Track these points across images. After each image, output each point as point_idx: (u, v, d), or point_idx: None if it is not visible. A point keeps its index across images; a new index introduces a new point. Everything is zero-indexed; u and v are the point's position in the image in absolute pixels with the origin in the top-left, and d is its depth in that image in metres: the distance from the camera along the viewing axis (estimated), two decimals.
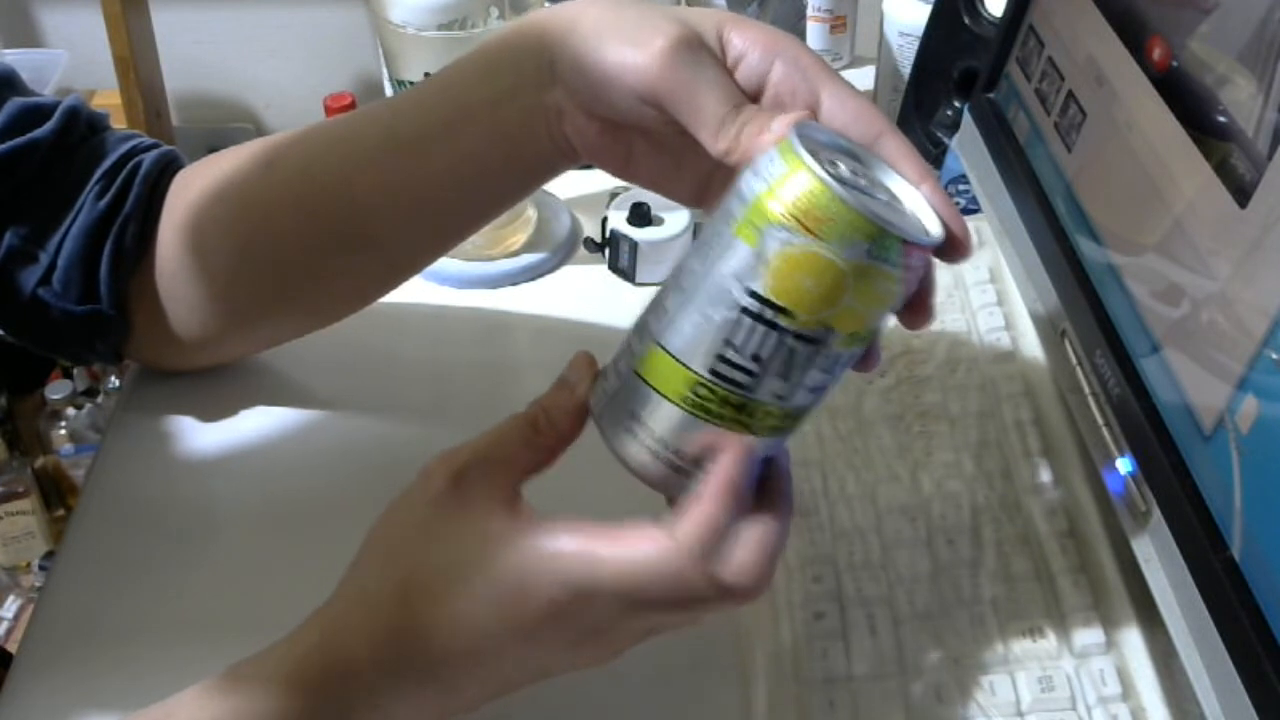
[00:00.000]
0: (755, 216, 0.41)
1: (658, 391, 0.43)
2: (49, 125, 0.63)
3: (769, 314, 0.41)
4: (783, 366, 0.42)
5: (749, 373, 0.42)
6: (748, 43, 0.50)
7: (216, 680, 0.46)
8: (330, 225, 0.60)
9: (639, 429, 0.44)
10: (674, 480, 0.45)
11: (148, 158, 0.65)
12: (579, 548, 0.43)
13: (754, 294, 0.41)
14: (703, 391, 0.43)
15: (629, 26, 0.51)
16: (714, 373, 0.42)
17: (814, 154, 0.41)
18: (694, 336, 0.42)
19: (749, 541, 0.43)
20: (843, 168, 0.43)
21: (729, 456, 0.43)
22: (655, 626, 0.45)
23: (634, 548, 0.42)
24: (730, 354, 0.42)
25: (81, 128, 0.65)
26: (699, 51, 0.49)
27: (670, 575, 0.42)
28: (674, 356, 0.43)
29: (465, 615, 0.44)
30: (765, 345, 0.42)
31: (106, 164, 0.64)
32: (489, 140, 0.56)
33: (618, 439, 0.45)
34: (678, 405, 0.43)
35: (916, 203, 0.45)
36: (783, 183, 0.41)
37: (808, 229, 0.40)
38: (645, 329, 0.44)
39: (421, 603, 0.44)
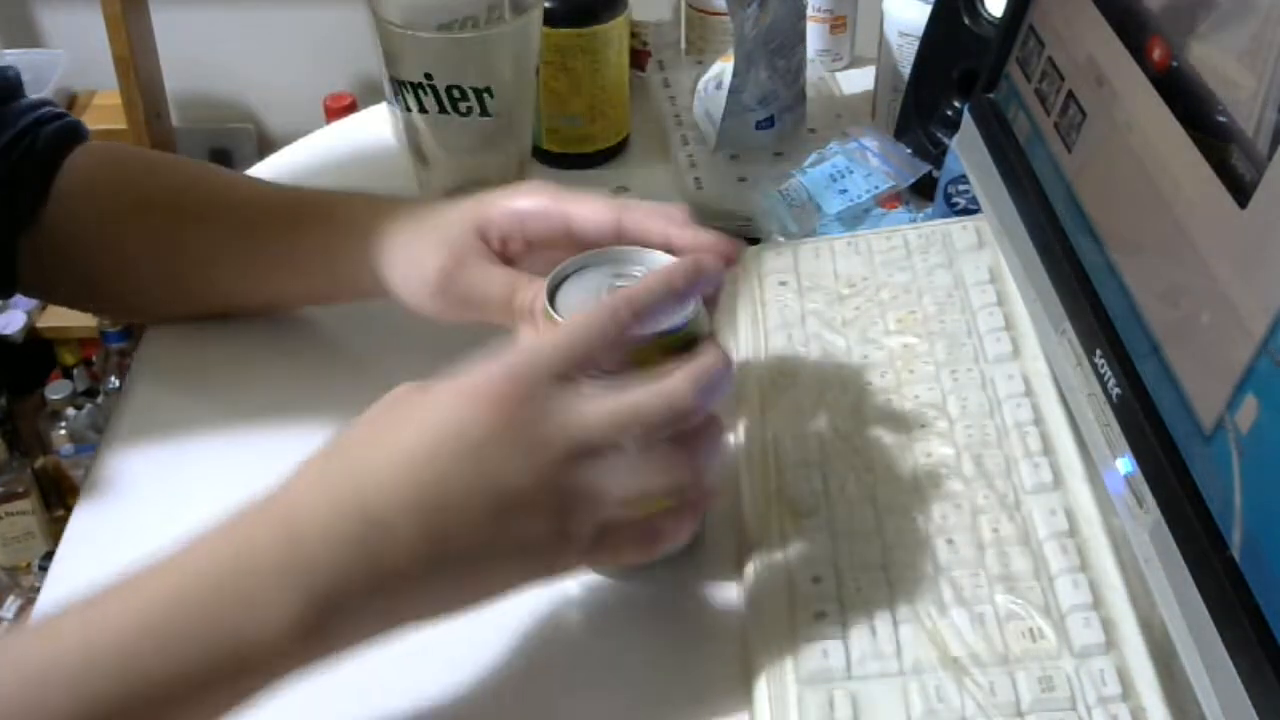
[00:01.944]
0: None
1: None
2: None
3: None
4: None
5: None
6: (500, 222, 0.61)
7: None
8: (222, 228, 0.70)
9: None
10: None
11: (46, 131, 0.70)
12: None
13: None
14: None
15: (407, 264, 0.63)
16: None
17: (568, 303, 0.52)
18: None
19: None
20: (604, 291, 0.53)
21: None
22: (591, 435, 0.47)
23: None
24: None
25: None
26: (462, 269, 0.61)
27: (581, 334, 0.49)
28: None
29: (397, 447, 0.47)
30: None
31: (6, 137, 0.69)
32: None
33: None
34: None
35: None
36: None
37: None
38: None
39: (357, 453, 0.48)
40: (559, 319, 0.52)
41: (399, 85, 0.77)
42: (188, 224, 0.70)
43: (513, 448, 0.46)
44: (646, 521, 0.51)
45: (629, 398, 0.48)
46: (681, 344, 0.52)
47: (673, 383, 0.48)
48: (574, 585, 0.59)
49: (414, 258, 0.63)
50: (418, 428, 0.47)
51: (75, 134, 0.72)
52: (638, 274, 0.54)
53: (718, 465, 0.52)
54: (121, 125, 1.73)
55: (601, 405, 0.47)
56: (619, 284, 0.53)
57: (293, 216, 0.68)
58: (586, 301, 0.53)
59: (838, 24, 0.98)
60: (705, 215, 0.81)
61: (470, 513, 0.46)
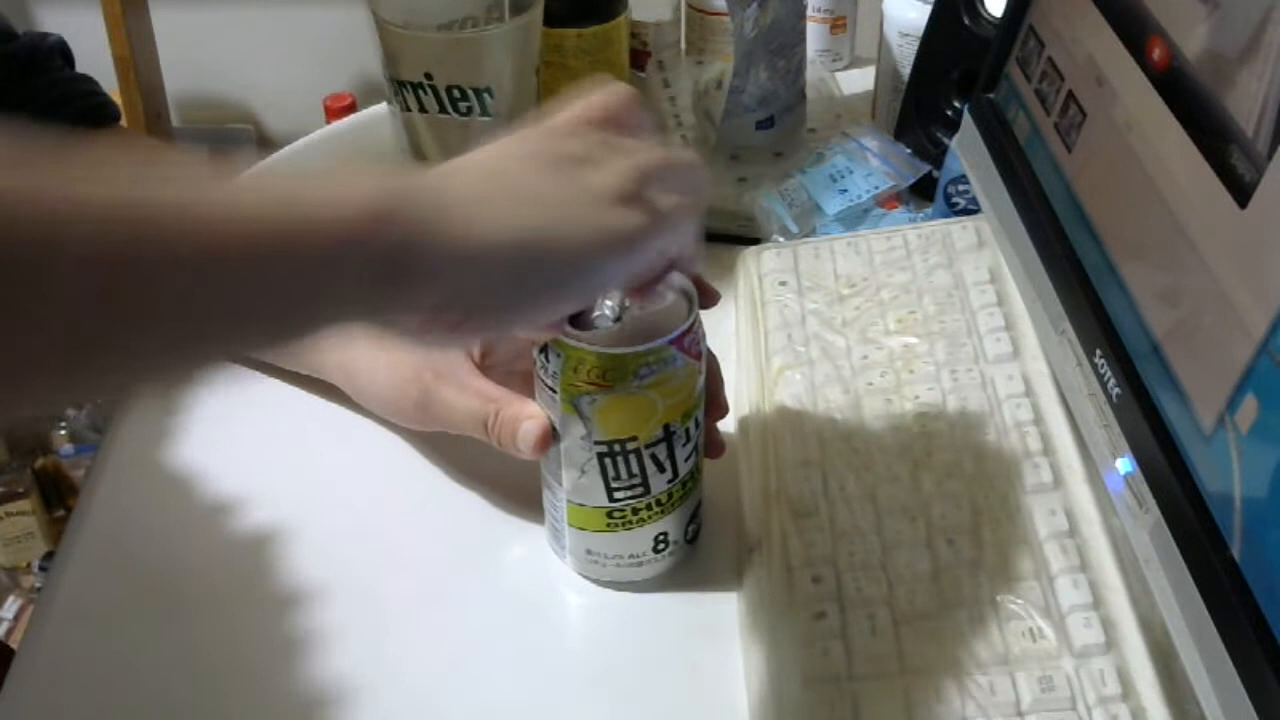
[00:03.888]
0: (566, 395, 0.53)
1: (590, 530, 0.57)
2: None
3: (618, 448, 0.54)
4: (656, 466, 0.55)
5: (639, 485, 0.55)
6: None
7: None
8: None
9: (588, 555, 0.58)
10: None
11: (71, 110, 0.69)
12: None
13: (598, 441, 0.54)
14: (617, 514, 0.56)
15: (388, 371, 0.62)
16: (614, 500, 0.55)
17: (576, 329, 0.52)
18: (589, 486, 0.55)
19: None
20: (606, 311, 0.53)
21: None
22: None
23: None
24: (616, 484, 0.55)
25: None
26: (438, 391, 0.60)
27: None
28: (584, 505, 0.56)
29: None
30: (634, 465, 0.54)
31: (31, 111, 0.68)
32: None
33: (579, 565, 0.59)
34: (608, 531, 0.57)
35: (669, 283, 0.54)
36: (569, 366, 0.52)
37: (601, 386, 0.52)
38: (554, 491, 0.57)
39: None
40: (570, 342, 0.52)
41: (399, 85, 0.77)
42: None
43: (566, 137, 0.48)
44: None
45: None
46: (660, 364, 0.52)
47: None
48: (574, 586, 0.59)
49: (395, 367, 0.62)
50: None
51: (103, 115, 0.71)
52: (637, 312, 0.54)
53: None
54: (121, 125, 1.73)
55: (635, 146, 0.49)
56: (618, 311, 0.54)
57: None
58: (594, 319, 0.53)
59: (838, 24, 0.98)
60: (705, 215, 0.81)
61: (518, 162, 0.47)
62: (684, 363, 0.53)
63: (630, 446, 0.54)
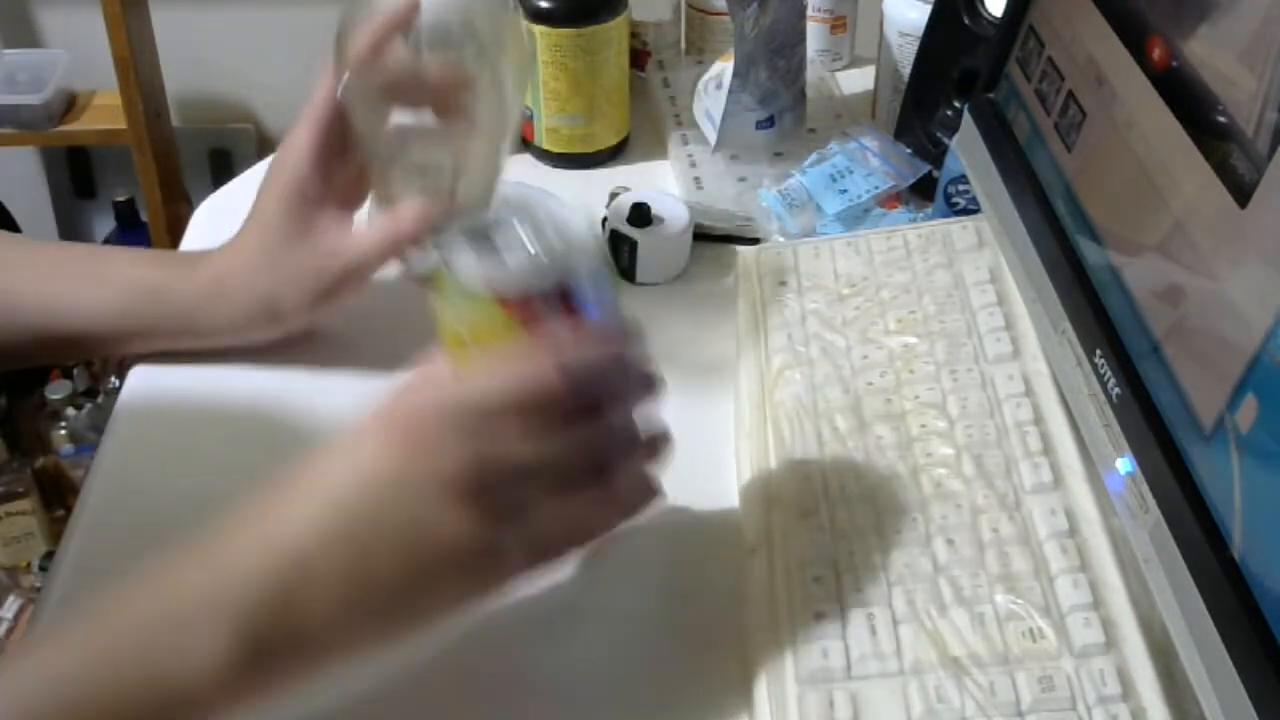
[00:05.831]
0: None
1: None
2: None
3: None
4: None
5: None
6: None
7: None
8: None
9: None
10: None
11: None
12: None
13: None
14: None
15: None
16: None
17: (465, 262, 0.49)
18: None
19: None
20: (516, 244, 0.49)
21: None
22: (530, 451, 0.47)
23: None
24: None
25: None
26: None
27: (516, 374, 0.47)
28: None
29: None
30: None
31: None
32: None
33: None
34: None
35: None
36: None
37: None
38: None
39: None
40: (466, 284, 0.49)
41: None
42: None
43: (428, 479, 0.46)
44: (578, 512, 0.49)
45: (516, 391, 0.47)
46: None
47: (546, 365, 0.47)
48: (572, 584, 0.59)
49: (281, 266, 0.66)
50: (338, 466, 0.48)
51: None
52: (548, 230, 0.50)
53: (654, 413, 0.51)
54: (121, 125, 1.72)
55: (510, 426, 0.47)
56: (530, 239, 0.49)
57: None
58: (494, 263, 0.49)
59: (838, 24, 0.98)
60: (705, 215, 0.81)
61: (387, 548, 0.46)
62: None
63: None
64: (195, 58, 1.91)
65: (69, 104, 1.77)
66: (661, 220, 0.77)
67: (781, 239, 0.78)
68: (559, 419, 0.47)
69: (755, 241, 0.79)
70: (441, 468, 0.46)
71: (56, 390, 1.77)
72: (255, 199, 0.67)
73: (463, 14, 0.57)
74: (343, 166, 0.66)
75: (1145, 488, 0.49)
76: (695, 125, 0.89)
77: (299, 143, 0.65)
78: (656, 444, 0.52)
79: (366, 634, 0.47)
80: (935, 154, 0.82)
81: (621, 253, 0.77)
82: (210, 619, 0.45)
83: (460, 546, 0.46)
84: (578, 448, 0.48)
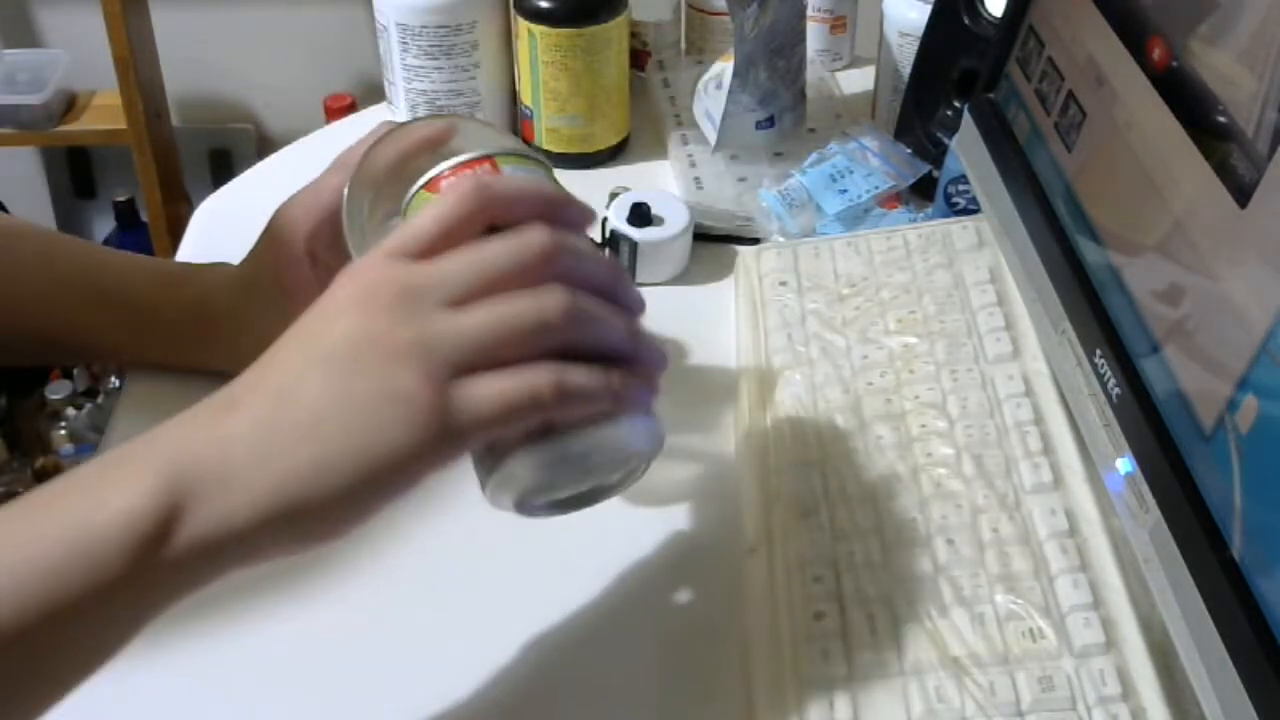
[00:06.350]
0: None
1: None
2: None
3: None
4: None
5: None
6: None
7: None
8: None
9: None
10: None
11: None
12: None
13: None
14: None
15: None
16: None
17: None
18: None
19: None
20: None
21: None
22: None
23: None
24: None
25: None
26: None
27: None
28: None
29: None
30: None
31: None
32: None
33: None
34: None
35: None
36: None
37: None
38: None
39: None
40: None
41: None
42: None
43: (364, 313, 0.44)
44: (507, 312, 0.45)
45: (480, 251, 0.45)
46: None
47: (530, 230, 0.45)
48: (572, 584, 0.59)
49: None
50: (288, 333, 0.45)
51: None
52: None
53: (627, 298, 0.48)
54: (121, 125, 1.73)
55: (458, 260, 0.45)
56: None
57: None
58: None
59: (838, 24, 0.98)
60: (705, 215, 0.81)
61: (300, 360, 0.44)
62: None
63: None
64: (195, 58, 1.91)
65: (69, 104, 1.77)
66: (661, 220, 0.77)
67: (781, 239, 0.78)
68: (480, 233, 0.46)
69: (755, 241, 0.79)
70: (361, 286, 0.44)
71: (56, 390, 1.77)
72: (252, 249, 0.66)
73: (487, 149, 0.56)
74: (335, 256, 0.62)
75: (1145, 488, 0.49)
76: (695, 125, 0.89)
77: (297, 218, 0.63)
78: (634, 307, 0.48)
79: (292, 480, 0.42)
80: (935, 154, 0.82)
81: (621, 253, 0.77)
82: (129, 462, 0.42)
83: (391, 370, 0.43)
84: (503, 252, 0.45)
